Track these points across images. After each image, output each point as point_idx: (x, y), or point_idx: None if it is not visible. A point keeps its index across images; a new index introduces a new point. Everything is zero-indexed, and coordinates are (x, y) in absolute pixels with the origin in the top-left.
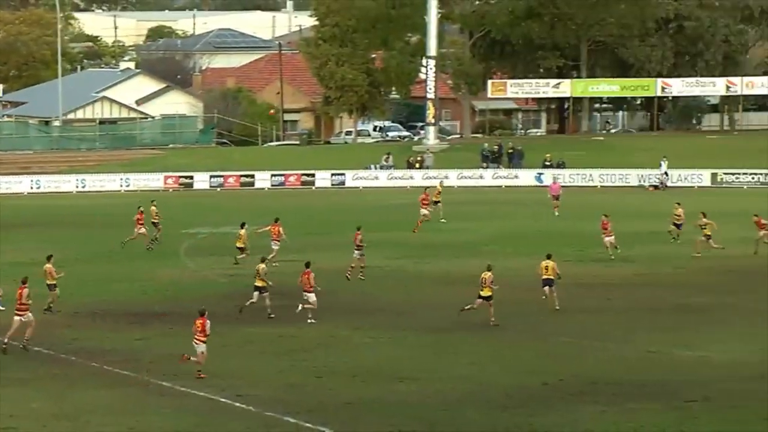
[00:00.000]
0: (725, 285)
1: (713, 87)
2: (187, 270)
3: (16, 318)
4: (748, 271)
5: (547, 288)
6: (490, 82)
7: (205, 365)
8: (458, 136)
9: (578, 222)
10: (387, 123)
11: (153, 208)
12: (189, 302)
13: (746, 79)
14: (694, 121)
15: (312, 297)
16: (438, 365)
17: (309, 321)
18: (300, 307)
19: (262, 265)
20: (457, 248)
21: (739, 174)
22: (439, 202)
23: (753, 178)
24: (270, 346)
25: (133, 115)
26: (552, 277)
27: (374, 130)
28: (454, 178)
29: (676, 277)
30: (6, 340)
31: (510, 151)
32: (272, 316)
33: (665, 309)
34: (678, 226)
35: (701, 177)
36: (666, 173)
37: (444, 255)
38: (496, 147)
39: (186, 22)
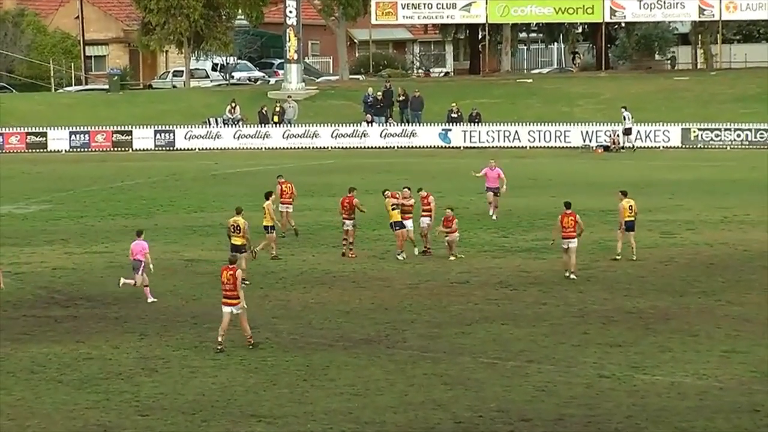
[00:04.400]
0: (695, 283)
1: (682, 9)
2: None
3: (225, 309)
4: (724, 263)
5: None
6: (374, 2)
7: None
8: (332, 78)
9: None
10: (231, 60)
11: None
12: None
13: None
14: (657, 57)
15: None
16: (307, 396)
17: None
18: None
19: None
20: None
21: (719, 130)
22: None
23: (738, 136)
24: (70, 371)
25: None
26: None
27: (214, 69)
28: (326, 136)
29: (629, 273)
30: (220, 340)
31: (402, 97)
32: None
33: (617, 317)
34: (629, 226)
35: (668, 134)
36: (628, 129)
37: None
38: (381, 93)
39: None
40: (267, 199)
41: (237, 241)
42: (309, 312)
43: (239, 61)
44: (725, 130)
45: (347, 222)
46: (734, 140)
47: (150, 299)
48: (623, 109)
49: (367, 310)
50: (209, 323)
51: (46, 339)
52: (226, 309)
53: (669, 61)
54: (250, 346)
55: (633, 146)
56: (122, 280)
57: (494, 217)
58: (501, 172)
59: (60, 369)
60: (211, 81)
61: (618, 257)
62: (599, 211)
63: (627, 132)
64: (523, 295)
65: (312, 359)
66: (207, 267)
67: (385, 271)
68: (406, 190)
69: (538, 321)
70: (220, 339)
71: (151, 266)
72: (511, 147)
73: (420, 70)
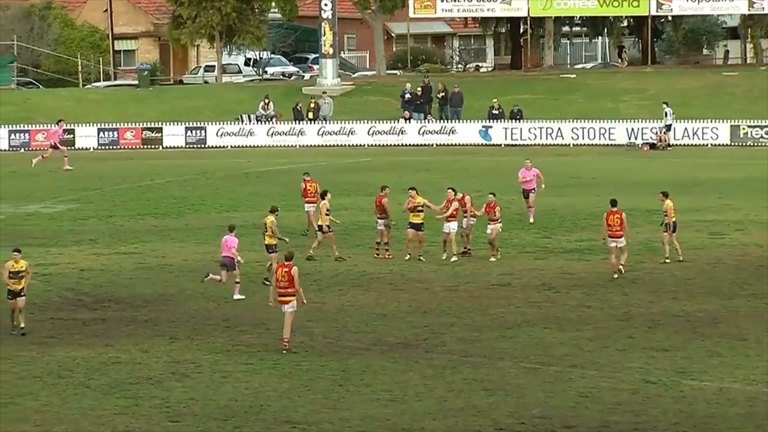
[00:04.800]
0: (744, 285)
1: (730, 2)
2: None
3: (284, 308)
4: None
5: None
6: None
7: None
8: (368, 73)
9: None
10: (265, 54)
11: None
12: None
13: None
14: (704, 52)
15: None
16: (342, 402)
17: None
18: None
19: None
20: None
21: None
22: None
23: None
24: (98, 375)
25: None
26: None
27: (246, 64)
28: (363, 133)
29: (676, 275)
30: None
31: (442, 94)
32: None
33: (663, 320)
34: (667, 227)
35: (716, 132)
36: (669, 126)
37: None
38: (421, 88)
39: None
40: (323, 198)
41: (268, 240)
42: (344, 315)
43: (273, 55)
44: None
45: (379, 222)
46: None
47: (237, 296)
48: (665, 105)
49: (404, 313)
50: (241, 326)
51: (73, 342)
52: (286, 308)
53: (723, 55)
54: (284, 351)
55: (668, 143)
56: (210, 275)
57: (531, 220)
58: (538, 172)
59: (87, 373)
60: (244, 76)
61: (667, 260)
62: (645, 211)
63: (667, 129)
64: (566, 298)
65: (348, 364)
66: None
67: (423, 273)
68: (450, 191)
69: (581, 324)
70: (286, 337)
71: (240, 260)
72: (554, 144)
73: (459, 66)
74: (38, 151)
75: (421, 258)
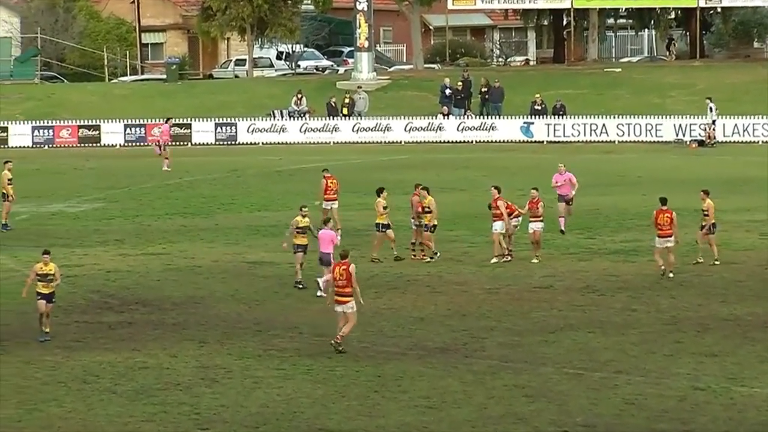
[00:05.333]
0: None
1: None
2: (2, 269)
3: (338, 309)
4: None
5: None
6: None
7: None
8: (405, 67)
9: (587, 194)
10: (297, 48)
11: (6, 172)
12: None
13: None
14: (755, 45)
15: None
16: (378, 409)
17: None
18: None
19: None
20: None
21: None
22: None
23: None
24: (125, 381)
25: None
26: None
27: (278, 58)
28: (399, 129)
29: (725, 277)
30: (339, 338)
31: (484, 89)
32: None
33: (713, 324)
34: (707, 229)
35: (767, 128)
36: (714, 122)
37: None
38: (461, 83)
39: None
40: (378, 195)
41: (299, 240)
42: (380, 318)
43: (306, 49)
44: None
45: (413, 221)
46: None
47: (319, 293)
48: (708, 101)
49: (442, 317)
50: (273, 330)
51: (99, 347)
52: (338, 308)
53: None
54: (332, 344)
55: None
56: (319, 281)
57: (562, 228)
58: (572, 176)
59: (114, 379)
60: (276, 70)
61: (700, 260)
62: (693, 210)
63: (711, 125)
64: (611, 301)
65: (383, 369)
66: (271, 270)
67: (462, 275)
68: (493, 189)
69: (627, 329)
70: (338, 339)
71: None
72: (598, 141)
73: (500, 59)
74: (62, 147)
75: (510, 252)
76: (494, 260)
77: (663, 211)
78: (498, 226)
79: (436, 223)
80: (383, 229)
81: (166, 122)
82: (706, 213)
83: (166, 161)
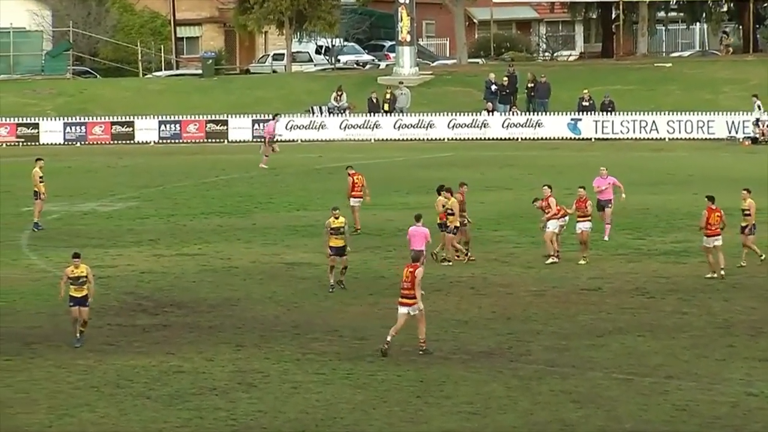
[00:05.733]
0: None
1: None
2: (33, 270)
3: (402, 310)
4: None
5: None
6: None
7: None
8: (448, 61)
9: (636, 192)
10: (337, 42)
11: (36, 168)
12: (24, 325)
13: None
14: None
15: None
16: (421, 415)
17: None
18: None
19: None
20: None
21: None
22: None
23: None
24: (159, 385)
25: None
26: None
27: (318, 52)
28: (442, 126)
29: None
30: (389, 340)
31: (530, 84)
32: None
33: (766, 328)
34: (748, 229)
35: None
36: (759, 120)
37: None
38: (506, 78)
39: None
40: (439, 194)
41: (333, 242)
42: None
43: (346, 43)
44: None
45: (459, 220)
46: None
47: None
48: (754, 98)
49: (487, 320)
50: (312, 333)
51: (132, 350)
52: (402, 310)
53: None
54: (421, 352)
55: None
56: None
57: (606, 238)
58: (615, 180)
59: (148, 383)
60: (315, 65)
61: (743, 264)
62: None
63: (755, 123)
64: (661, 304)
65: (426, 374)
66: (310, 271)
67: (507, 277)
68: (546, 188)
69: (677, 332)
70: (388, 339)
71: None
72: (648, 139)
73: (546, 54)
74: (95, 144)
75: (449, 261)
76: (551, 260)
77: (713, 209)
78: (551, 225)
79: (458, 225)
80: (445, 230)
81: (273, 118)
82: (747, 213)
83: (264, 158)
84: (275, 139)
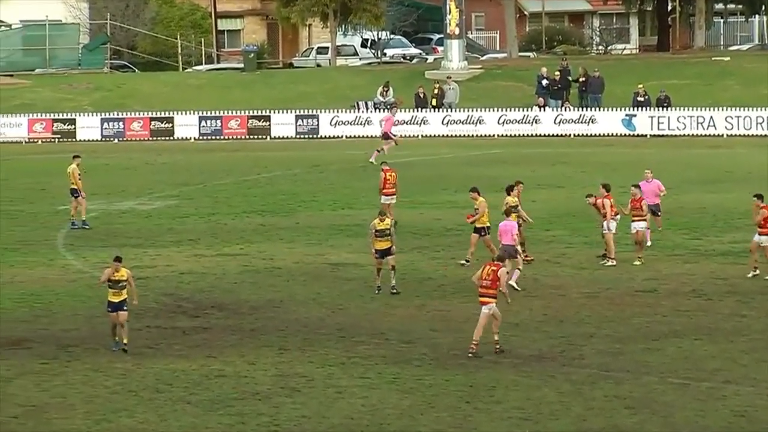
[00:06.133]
0: None
1: None
2: (70, 270)
3: (484, 310)
4: None
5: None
6: None
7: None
8: (498, 55)
9: (692, 191)
10: (384, 35)
11: (73, 166)
12: (60, 327)
13: None
14: None
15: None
16: (470, 420)
17: None
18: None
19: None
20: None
21: None
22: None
23: None
24: (200, 390)
25: None
26: None
27: (363, 46)
28: (492, 122)
29: None
30: (476, 341)
31: (582, 79)
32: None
33: None
34: None
35: None
36: None
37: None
38: (559, 72)
39: None
40: (508, 194)
41: (378, 244)
42: (472, 324)
43: (392, 36)
44: None
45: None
46: None
47: (513, 283)
48: None
49: (538, 323)
50: (357, 336)
51: (172, 353)
52: (485, 309)
53: None
54: (496, 351)
55: None
56: (512, 281)
57: (648, 243)
58: (660, 184)
59: (188, 388)
60: (360, 59)
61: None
62: None
63: None
64: (719, 306)
65: (475, 378)
66: (355, 272)
67: (559, 278)
68: (602, 189)
69: (736, 335)
70: (475, 339)
71: (519, 249)
72: (705, 135)
73: (600, 47)
74: (133, 141)
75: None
76: (609, 263)
77: (761, 206)
78: (612, 227)
79: (482, 225)
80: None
81: (390, 110)
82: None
83: (377, 152)
84: (386, 134)
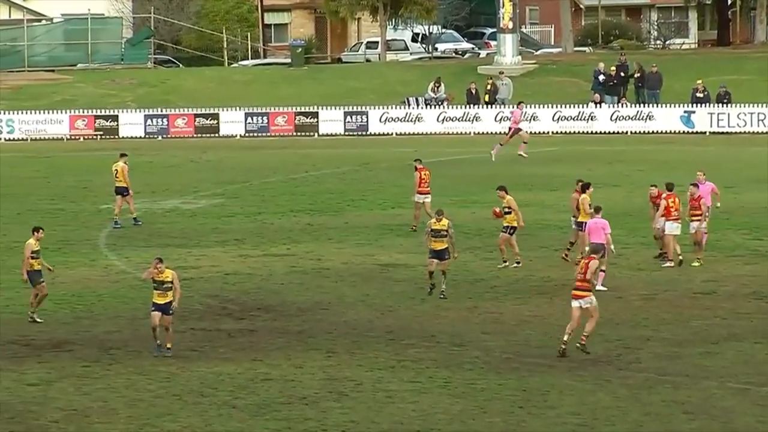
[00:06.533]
0: None
1: None
2: (112, 271)
3: (574, 304)
4: None
5: None
6: None
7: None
8: (553, 50)
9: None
10: (435, 29)
11: (121, 164)
12: (103, 329)
13: None
14: None
15: None
16: (524, 426)
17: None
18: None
19: None
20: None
21: None
22: None
23: None
24: (245, 394)
25: (16, 15)
26: None
27: (414, 40)
28: (547, 118)
29: None
30: (565, 339)
31: (639, 74)
32: None
33: None
34: None
35: None
36: None
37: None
38: (616, 68)
39: None
40: (584, 191)
41: (433, 245)
42: (525, 327)
43: (444, 30)
44: None
45: (573, 219)
46: None
47: (599, 287)
48: None
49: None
50: (407, 339)
51: (217, 356)
52: (575, 303)
53: None
54: (579, 346)
55: None
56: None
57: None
58: (714, 186)
59: (234, 392)
60: (411, 54)
61: None
62: None
63: None
64: None
65: (529, 383)
66: (405, 273)
67: (615, 279)
68: (653, 188)
69: None
70: (565, 338)
71: (612, 248)
72: (766, 132)
73: (658, 42)
74: (177, 138)
75: (508, 264)
76: (696, 262)
77: None
78: (669, 228)
79: (515, 225)
80: (580, 228)
81: (517, 106)
82: None
83: (522, 145)
84: (515, 129)
